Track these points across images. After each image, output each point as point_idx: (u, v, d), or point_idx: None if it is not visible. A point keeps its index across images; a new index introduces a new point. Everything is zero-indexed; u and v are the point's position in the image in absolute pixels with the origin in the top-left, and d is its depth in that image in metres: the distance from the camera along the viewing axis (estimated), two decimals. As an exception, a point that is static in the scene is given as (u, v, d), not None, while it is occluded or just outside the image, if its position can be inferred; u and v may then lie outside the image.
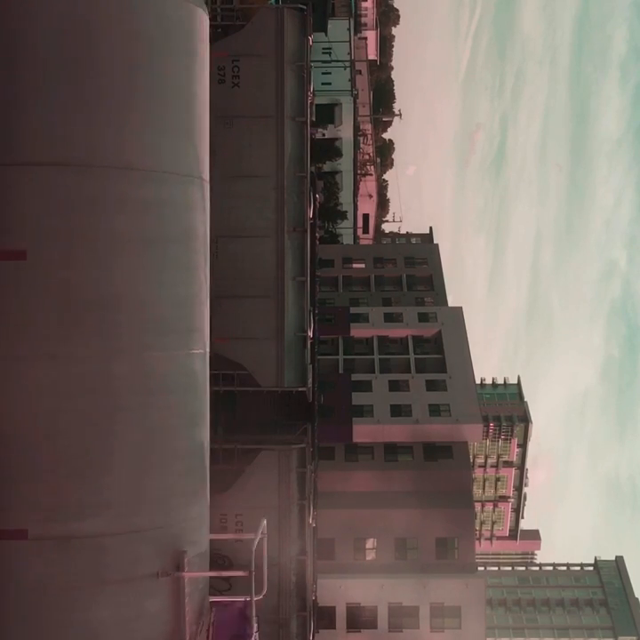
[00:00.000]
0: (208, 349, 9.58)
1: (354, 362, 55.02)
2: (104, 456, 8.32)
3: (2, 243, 8.14)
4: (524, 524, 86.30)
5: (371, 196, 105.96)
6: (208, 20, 9.14)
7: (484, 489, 79.31)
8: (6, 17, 8.07)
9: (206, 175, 9.17)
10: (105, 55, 8.07)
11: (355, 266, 66.44)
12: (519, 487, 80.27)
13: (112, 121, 8.20)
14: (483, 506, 79.45)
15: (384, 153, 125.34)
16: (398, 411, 50.24)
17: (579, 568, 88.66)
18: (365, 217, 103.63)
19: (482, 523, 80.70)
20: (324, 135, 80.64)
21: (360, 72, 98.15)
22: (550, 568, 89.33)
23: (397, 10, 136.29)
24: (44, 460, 8.18)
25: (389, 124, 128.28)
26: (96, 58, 8.05)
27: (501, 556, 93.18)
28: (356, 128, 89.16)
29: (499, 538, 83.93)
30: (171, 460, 8.83)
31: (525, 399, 78.80)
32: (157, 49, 8.37)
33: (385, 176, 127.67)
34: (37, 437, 8.19)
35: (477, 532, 72.79)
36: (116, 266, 8.35)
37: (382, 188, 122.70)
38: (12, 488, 8.17)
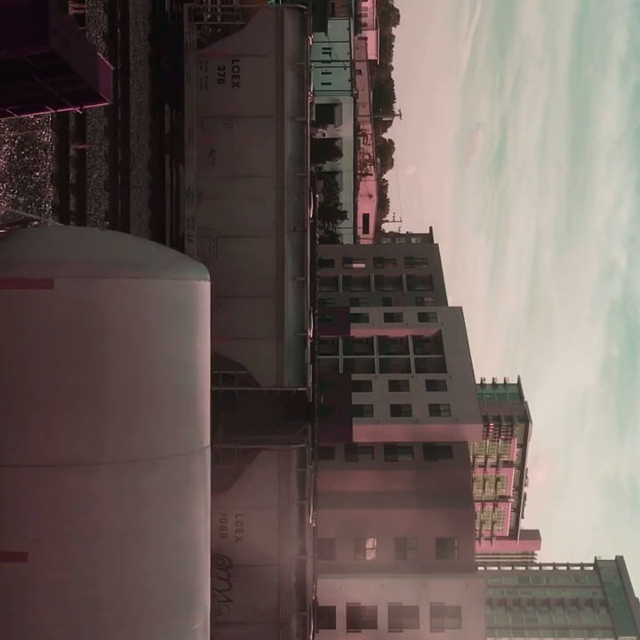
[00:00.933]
0: (208, 617, 9.82)
1: (354, 362, 55.02)
2: None
3: (3, 544, 8.25)
4: (524, 524, 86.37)
5: (371, 196, 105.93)
6: (209, 286, 9.29)
7: (484, 489, 79.30)
8: (15, 328, 8.20)
9: (207, 440, 9.39)
10: (109, 349, 8.28)
11: (355, 266, 66.43)
12: (519, 487, 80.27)
13: (116, 415, 8.35)
14: (483, 506, 79.43)
15: (384, 153, 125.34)
16: (398, 411, 50.23)
17: (579, 568, 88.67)
18: (365, 217, 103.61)
19: (482, 523, 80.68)
20: (324, 135, 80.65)
21: (360, 72, 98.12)
22: (550, 568, 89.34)
23: (397, 10, 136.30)
24: None
25: (389, 123, 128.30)
26: (99, 352, 8.26)
27: (501, 556, 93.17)
28: (356, 128, 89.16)
29: (499, 538, 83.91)
30: None
31: (525, 399, 78.80)
32: (161, 335, 8.58)
33: (385, 176, 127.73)
34: None
35: (477, 532, 72.79)
36: (115, 561, 8.42)
37: (382, 188, 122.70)
38: None
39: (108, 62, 10.55)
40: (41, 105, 10.86)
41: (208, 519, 9.49)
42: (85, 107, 11.32)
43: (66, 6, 17.35)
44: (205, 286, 9.30)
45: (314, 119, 26.56)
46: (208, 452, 9.37)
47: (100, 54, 10.45)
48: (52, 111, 11.42)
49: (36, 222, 10.30)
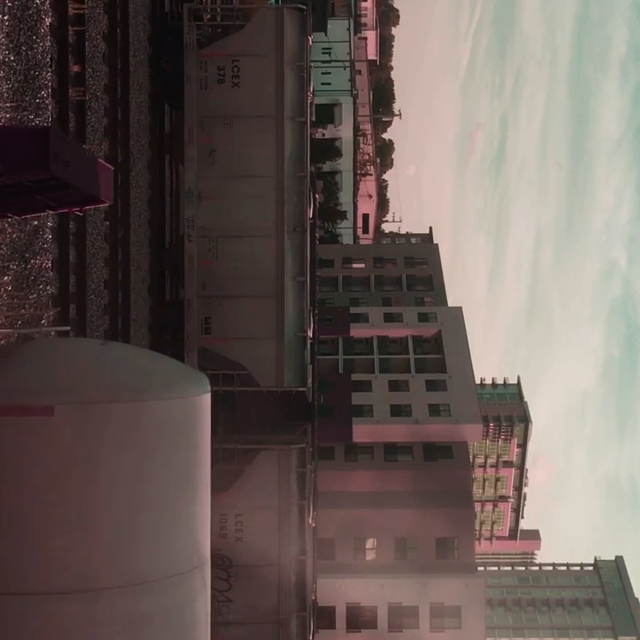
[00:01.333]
0: None
1: (354, 362, 55.05)
2: None
3: None
4: (524, 524, 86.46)
5: (371, 196, 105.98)
6: (209, 397, 9.33)
7: (483, 489, 79.33)
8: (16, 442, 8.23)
9: (207, 553, 9.38)
10: (109, 474, 8.34)
11: (355, 266, 66.46)
12: (519, 487, 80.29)
13: (116, 541, 8.33)
14: (483, 506, 79.46)
15: (384, 153, 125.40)
16: (398, 411, 50.26)
17: (579, 568, 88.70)
18: (365, 217, 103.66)
19: (482, 523, 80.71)
20: (323, 135, 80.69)
21: (360, 72, 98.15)
22: (550, 568, 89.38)
23: (397, 10, 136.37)
24: None
25: (389, 123, 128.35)
26: (99, 477, 8.34)
27: (501, 556, 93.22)
28: (356, 128, 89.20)
29: (499, 538, 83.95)
30: None
31: (525, 399, 78.84)
32: (161, 455, 8.60)
33: (385, 176, 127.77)
34: None
35: (477, 532, 72.79)
36: None
37: (382, 188, 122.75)
38: None
39: (107, 165, 10.73)
40: (42, 209, 11.20)
41: (208, 630, 9.57)
42: (86, 208, 11.64)
43: (65, 7, 17.36)
44: (206, 399, 9.29)
45: (314, 119, 26.59)
46: (208, 566, 9.36)
47: (99, 160, 10.63)
48: (53, 213, 11.78)
49: (36, 333, 10.44)
